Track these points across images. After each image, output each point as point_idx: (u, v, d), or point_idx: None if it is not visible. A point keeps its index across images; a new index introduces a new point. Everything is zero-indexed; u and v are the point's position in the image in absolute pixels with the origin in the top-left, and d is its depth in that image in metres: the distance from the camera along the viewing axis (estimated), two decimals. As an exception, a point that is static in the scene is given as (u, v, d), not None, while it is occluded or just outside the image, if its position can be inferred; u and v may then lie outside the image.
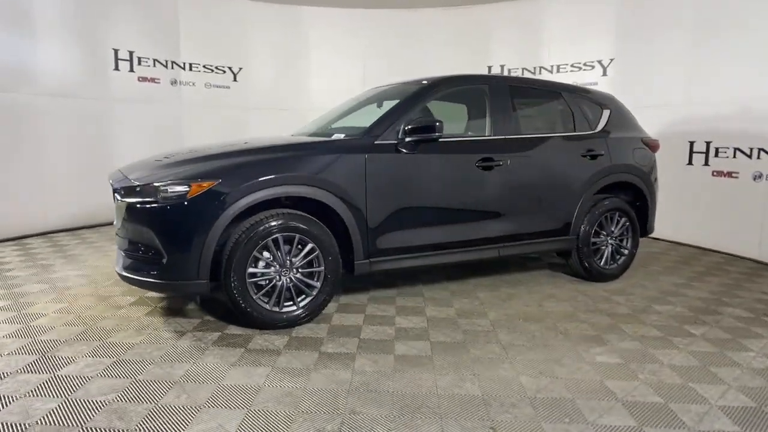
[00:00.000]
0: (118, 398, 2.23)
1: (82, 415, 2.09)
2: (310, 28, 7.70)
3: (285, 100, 7.58)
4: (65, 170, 5.96)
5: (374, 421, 2.09)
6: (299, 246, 3.05)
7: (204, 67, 7.23)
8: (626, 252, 4.30)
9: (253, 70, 7.51)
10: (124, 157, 5.49)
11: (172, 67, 6.99)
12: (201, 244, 2.80)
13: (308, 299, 3.10)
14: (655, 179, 4.54)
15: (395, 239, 3.38)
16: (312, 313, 3.15)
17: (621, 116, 4.41)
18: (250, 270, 2.93)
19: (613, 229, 4.23)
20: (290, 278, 3.05)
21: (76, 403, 2.17)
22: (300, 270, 3.08)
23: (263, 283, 2.99)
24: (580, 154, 4.06)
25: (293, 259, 3.04)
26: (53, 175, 5.84)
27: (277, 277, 3.02)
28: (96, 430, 1.99)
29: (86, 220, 6.23)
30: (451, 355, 2.75)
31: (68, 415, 2.08)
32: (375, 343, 2.90)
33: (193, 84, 7.17)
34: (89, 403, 2.18)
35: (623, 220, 4.25)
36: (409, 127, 3.30)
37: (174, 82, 7.02)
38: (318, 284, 3.12)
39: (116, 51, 6.44)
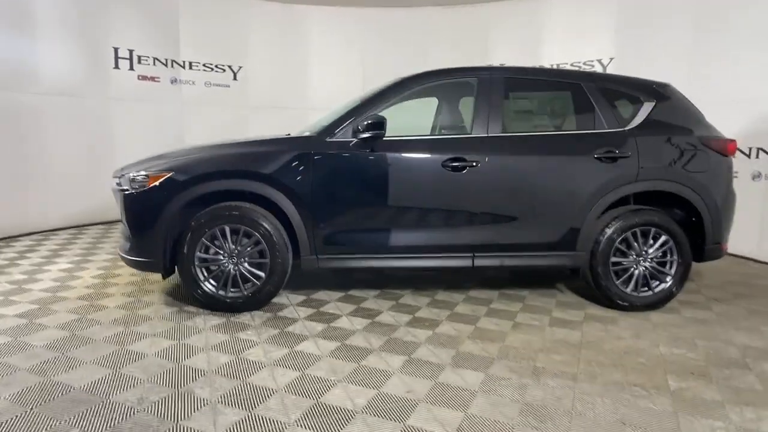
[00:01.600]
0: (45, 345, 2.74)
1: (8, 352, 2.64)
2: (309, 26, 7.73)
3: (284, 98, 7.63)
4: (65, 168, 6.01)
5: (188, 395, 2.18)
6: (246, 237, 3.25)
7: (204, 65, 7.29)
8: (669, 279, 3.45)
9: (253, 69, 7.59)
10: (124, 155, 5.63)
11: (172, 66, 7.05)
12: (153, 228, 3.21)
13: (253, 288, 3.28)
14: (728, 190, 3.55)
15: (345, 238, 3.35)
16: (258, 302, 3.31)
17: (672, 110, 3.57)
18: (199, 255, 3.24)
19: (645, 248, 3.43)
20: (237, 267, 3.27)
21: (15, 344, 2.74)
22: (248, 260, 3.27)
23: (214, 268, 3.28)
24: (593, 155, 3.40)
25: (239, 249, 3.26)
26: (53, 172, 5.92)
27: (225, 264, 3.27)
28: (3, 364, 2.50)
29: (87, 218, 6.39)
30: (341, 359, 2.64)
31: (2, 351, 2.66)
32: (290, 337, 2.94)
33: (193, 83, 7.23)
34: (23, 345, 2.74)
35: (663, 238, 3.42)
36: (361, 125, 3.23)
37: (174, 81, 7.08)
38: (263, 275, 3.27)
39: (116, 49, 6.48)
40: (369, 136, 3.22)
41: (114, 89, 6.56)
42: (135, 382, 2.34)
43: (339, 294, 3.75)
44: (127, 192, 3.29)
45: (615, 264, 3.43)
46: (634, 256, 3.44)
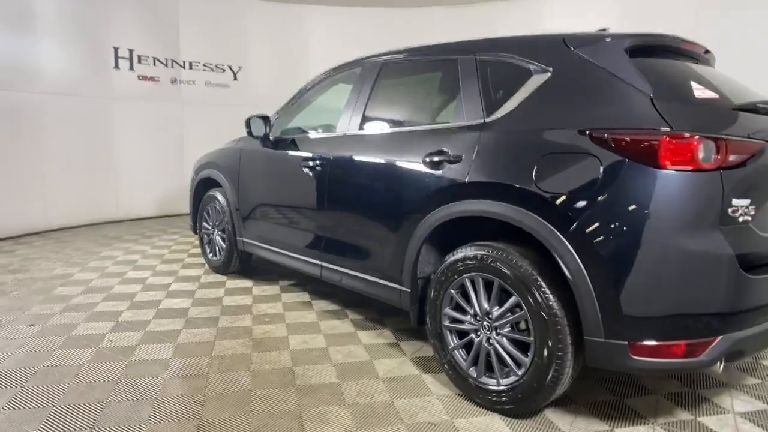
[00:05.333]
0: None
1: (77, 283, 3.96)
2: (310, 27, 7.82)
3: (285, 98, 7.23)
4: (66, 168, 6.08)
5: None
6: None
7: (204, 65, 7.34)
8: (521, 369, 2.05)
9: (253, 69, 7.69)
10: (124, 155, 6.48)
11: (172, 66, 7.09)
12: (192, 203, 4.58)
13: (218, 256, 4.27)
14: (659, 231, 1.79)
15: (253, 227, 3.80)
16: (222, 267, 4.26)
17: (588, 82, 2.07)
18: (204, 224, 4.42)
19: (487, 308, 2.16)
20: (216, 237, 4.29)
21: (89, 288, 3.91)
22: (220, 234, 4.23)
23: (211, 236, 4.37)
24: (421, 159, 2.46)
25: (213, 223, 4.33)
26: (54, 172, 5.98)
27: (214, 234, 4.32)
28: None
29: (87, 218, 6.47)
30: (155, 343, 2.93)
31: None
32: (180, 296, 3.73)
33: (193, 83, 7.29)
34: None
35: (513, 299, 2.05)
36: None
37: (174, 81, 7.13)
38: (225, 245, 4.14)
39: (116, 49, 6.50)
40: (255, 135, 3.68)
41: (114, 89, 6.64)
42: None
43: (280, 284, 4.00)
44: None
45: (453, 320, 2.30)
46: (473, 317, 2.22)
